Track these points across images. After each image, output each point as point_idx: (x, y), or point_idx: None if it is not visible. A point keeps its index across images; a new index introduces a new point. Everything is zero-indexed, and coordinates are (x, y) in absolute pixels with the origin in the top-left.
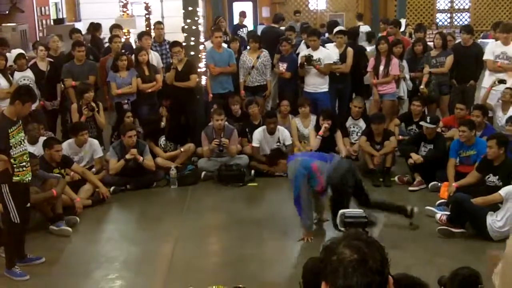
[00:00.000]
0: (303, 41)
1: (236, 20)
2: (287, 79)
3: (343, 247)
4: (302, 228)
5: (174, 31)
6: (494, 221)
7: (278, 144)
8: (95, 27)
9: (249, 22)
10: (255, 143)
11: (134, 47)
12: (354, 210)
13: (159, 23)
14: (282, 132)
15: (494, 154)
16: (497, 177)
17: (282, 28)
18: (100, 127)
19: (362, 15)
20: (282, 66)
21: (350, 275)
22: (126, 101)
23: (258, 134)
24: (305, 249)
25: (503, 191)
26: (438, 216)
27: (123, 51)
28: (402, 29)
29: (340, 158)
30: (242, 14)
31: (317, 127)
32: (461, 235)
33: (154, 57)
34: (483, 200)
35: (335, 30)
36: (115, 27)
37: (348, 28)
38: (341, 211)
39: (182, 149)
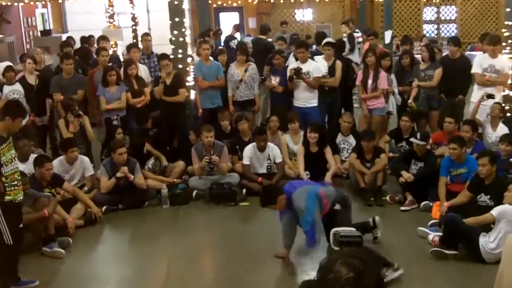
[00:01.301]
0: (292, 53)
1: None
2: (280, 93)
3: (339, 265)
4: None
5: (161, 43)
6: (487, 243)
7: (269, 161)
8: (85, 39)
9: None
10: (245, 161)
11: (121, 59)
12: (348, 229)
13: (146, 34)
14: (273, 149)
15: (487, 172)
16: (488, 196)
17: (270, 39)
18: (89, 139)
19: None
20: (275, 80)
21: None
22: (115, 117)
23: (249, 151)
24: (299, 269)
25: (495, 211)
26: (430, 237)
27: (110, 64)
28: (388, 41)
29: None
30: (235, 27)
31: (305, 142)
32: (453, 256)
33: (143, 71)
34: (475, 221)
35: (324, 42)
36: (102, 39)
37: (335, 40)
38: (334, 230)
39: (168, 171)
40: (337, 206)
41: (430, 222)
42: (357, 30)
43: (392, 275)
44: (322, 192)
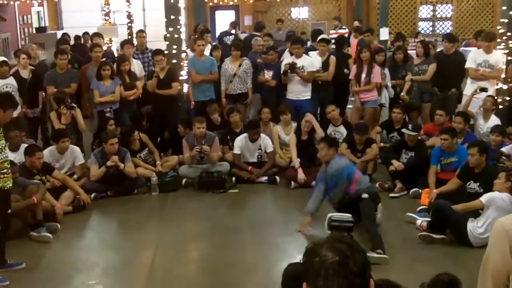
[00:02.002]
0: (287, 49)
1: (218, 29)
2: (271, 87)
3: (325, 249)
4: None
5: (156, 40)
6: (475, 228)
7: (260, 151)
8: (78, 37)
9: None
10: (236, 150)
11: (116, 55)
12: (341, 214)
13: (141, 31)
14: (264, 140)
15: (476, 161)
16: (477, 184)
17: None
18: (81, 130)
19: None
20: (268, 74)
21: (331, 276)
22: (108, 109)
23: (240, 141)
24: (286, 255)
25: (484, 198)
26: (418, 222)
27: (104, 59)
28: (386, 37)
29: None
30: (232, 24)
31: (298, 132)
32: (441, 241)
33: (136, 65)
34: (464, 207)
35: (318, 38)
36: (96, 35)
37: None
38: (329, 214)
39: (160, 162)
40: (365, 195)
41: (418, 208)
42: (344, 27)
43: (372, 254)
44: (357, 176)
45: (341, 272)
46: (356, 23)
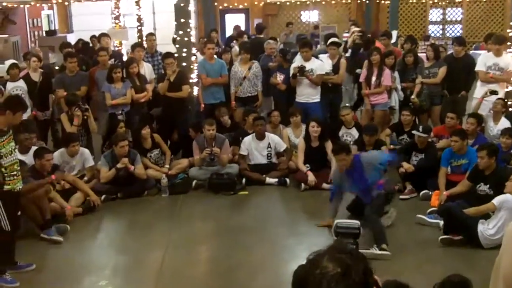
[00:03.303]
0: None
1: (228, 32)
2: (283, 90)
3: (326, 261)
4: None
5: (166, 43)
6: (486, 229)
7: (269, 149)
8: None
9: None
10: (242, 151)
11: (125, 57)
12: (349, 221)
13: (151, 34)
14: (273, 138)
15: (485, 164)
16: (488, 186)
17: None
18: (92, 130)
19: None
20: (280, 77)
21: None
22: (120, 112)
23: (247, 142)
24: (294, 257)
25: (496, 201)
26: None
27: (112, 60)
28: (394, 40)
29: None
30: (237, 28)
31: (307, 137)
32: (460, 241)
33: (147, 68)
34: (476, 211)
35: (329, 41)
36: (104, 35)
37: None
38: (336, 221)
39: (168, 166)
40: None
41: (428, 210)
42: (346, 30)
43: (377, 251)
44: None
45: (344, 283)
46: (350, 23)
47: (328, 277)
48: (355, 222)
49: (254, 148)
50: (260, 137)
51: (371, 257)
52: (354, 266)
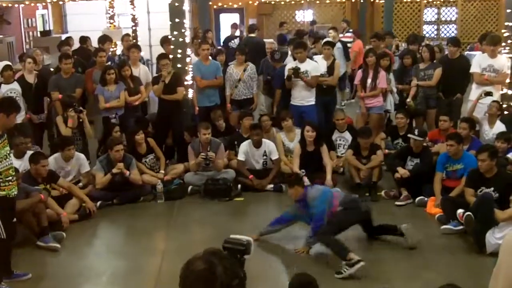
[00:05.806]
0: (290, 53)
1: (223, 32)
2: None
3: (198, 259)
4: (308, 243)
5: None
6: (494, 230)
7: (265, 157)
8: (83, 40)
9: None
10: (240, 157)
11: (118, 59)
12: (238, 237)
13: (127, 35)
14: (268, 145)
15: (487, 166)
16: (491, 188)
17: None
18: (88, 135)
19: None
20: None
21: None
22: (114, 115)
23: (244, 147)
24: (290, 264)
25: None
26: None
27: (109, 63)
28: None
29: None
30: (234, 26)
31: (302, 141)
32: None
33: (142, 70)
34: (506, 215)
35: (323, 41)
36: (106, 39)
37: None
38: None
39: (163, 171)
40: (340, 208)
41: (437, 215)
42: (350, 30)
43: (350, 270)
44: (336, 193)
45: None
46: (343, 24)
47: (196, 272)
48: (246, 238)
49: (251, 156)
50: (258, 145)
51: (349, 276)
52: (219, 265)
